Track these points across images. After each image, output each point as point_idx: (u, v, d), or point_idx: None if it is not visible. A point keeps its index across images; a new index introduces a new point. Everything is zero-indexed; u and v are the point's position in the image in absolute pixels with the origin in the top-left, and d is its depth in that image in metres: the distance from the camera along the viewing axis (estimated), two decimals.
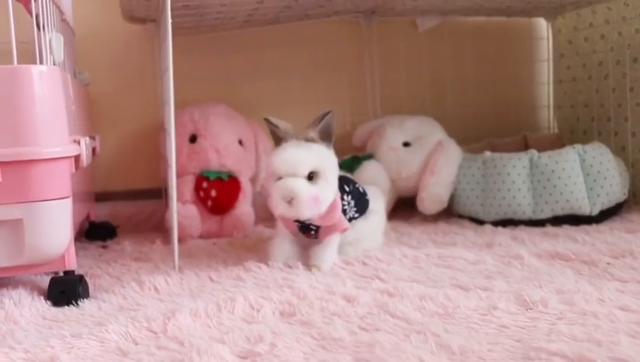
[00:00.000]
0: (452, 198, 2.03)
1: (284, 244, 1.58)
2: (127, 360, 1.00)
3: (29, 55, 1.36)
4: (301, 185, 1.44)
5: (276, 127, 1.54)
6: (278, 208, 1.48)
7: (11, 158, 1.24)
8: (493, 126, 2.45)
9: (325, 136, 1.52)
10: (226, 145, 1.98)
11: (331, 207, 1.51)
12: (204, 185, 1.94)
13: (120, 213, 2.18)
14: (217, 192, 1.94)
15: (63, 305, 1.31)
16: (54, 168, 1.29)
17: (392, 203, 2.10)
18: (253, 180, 2.08)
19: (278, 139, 1.55)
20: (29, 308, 1.28)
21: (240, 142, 2.03)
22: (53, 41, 1.41)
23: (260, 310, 1.21)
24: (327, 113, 1.52)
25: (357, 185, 1.66)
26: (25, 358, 1.01)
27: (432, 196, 2.00)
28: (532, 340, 1.01)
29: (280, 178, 1.47)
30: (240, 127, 2.05)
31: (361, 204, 1.64)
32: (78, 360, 1.01)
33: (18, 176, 1.25)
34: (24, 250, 1.27)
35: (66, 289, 1.32)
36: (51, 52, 1.41)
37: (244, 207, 1.97)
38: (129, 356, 1.02)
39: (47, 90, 1.29)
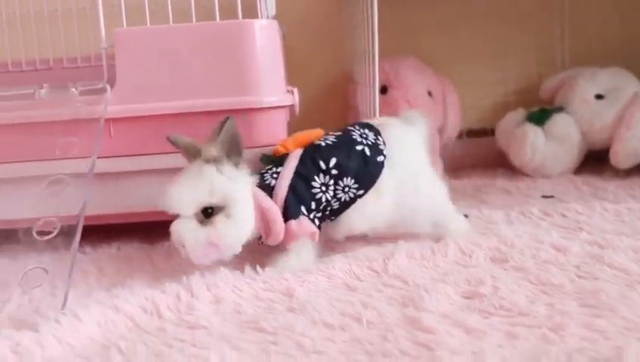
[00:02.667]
0: None
1: None
2: (358, 294, 1.07)
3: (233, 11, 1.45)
4: (187, 230, 1.14)
5: (174, 144, 1.21)
6: (180, 252, 1.18)
7: (237, 107, 1.35)
8: None
9: (231, 150, 1.19)
10: (416, 96, 2.02)
11: (269, 224, 1.21)
12: None
13: None
14: None
15: None
16: (274, 116, 1.39)
17: (581, 156, 2.06)
18: (441, 131, 2.10)
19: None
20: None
21: (429, 94, 2.06)
22: None
23: (471, 255, 1.24)
24: (226, 120, 1.19)
25: (354, 150, 1.26)
26: (264, 288, 1.11)
27: (628, 150, 1.94)
28: None
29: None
30: (429, 79, 2.08)
31: (366, 175, 1.26)
32: (311, 292, 1.09)
33: (242, 123, 1.35)
34: None
35: None
36: (265, 6, 1.49)
37: (432, 158, 2.00)
38: (358, 291, 1.09)
39: (266, 43, 1.38)
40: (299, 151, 1.27)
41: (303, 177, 1.23)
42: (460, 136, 2.22)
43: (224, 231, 1.15)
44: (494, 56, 2.26)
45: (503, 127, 2.15)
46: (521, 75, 2.30)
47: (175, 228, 1.15)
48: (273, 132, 1.38)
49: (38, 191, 1.17)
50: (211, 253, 1.16)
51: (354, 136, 1.28)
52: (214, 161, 1.17)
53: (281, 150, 1.28)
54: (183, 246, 1.15)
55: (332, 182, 1.24)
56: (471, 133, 2.28)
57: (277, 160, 1.27)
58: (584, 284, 1.06)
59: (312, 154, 1.25)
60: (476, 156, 2.27)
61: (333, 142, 1.28)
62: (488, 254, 1.25)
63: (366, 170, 1.25)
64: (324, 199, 1.24)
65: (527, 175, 2.06)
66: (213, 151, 1.17)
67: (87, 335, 0.97)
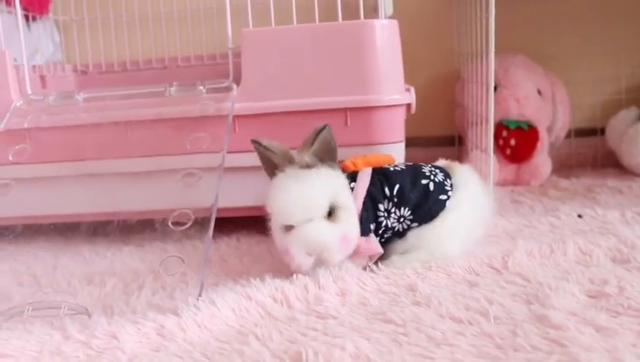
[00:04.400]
0: None
1: None
2: (480, 290, 1.08)
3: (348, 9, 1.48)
4: (327, 230, 1.12)
5: (269, 150, 1.18)
6: (302, 265, 1.14)
7: (358, 105, 1.39)
8: None
9: (325, 156, 1.17)
10: (526, 94, 2.01)
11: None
12: (504, 133, 1.99)
13: (411, 159, 2.29)
14: (517, 141, 1.99)
15: None
16: (392, 114, 1.42)
17: None
18: (549, 130, 2.09)
19: (271, 166, 1.20)
20: None
21: (539, 92, 2.05)
22: None
23: (591, 255, 1.24)
24: (323, 128, 1.15)
25: (419, 182, 1.24)
26: (387, 282, 1.15)
27: None
28: None
29: (291, 226, 1.13)
30: (538, 77, 2.07)
31: (424, 210, 1.24)
32: (433, 287, 1.12)
33: (362, 121, 1.40)
34: None
35: None
36: (384, 5, 1.52)
37: (541, 157, 2.00)
38: (479, 287, 1.10)
39: (386, 42, 1.42)
40: (369, 170, 1.25)
41: (373, 198, 1.22)
42: (567, 135, 2.19)
43: (351, 223, 1.16)
44: (606, 53, 2.21)
45: (614, 126, 2.12)
46: (634, 73, 2.24)
47: (310, 234, 1.12)
48: (393, 130, 1.42)
49: (172, 183, 1.23)
50: (344, 247, 1.15)
51: (423, 170, 1.27)
52: (309, 167, 1.15)
53: (351, 167, 1.25)
54: (320, 252, 1.13)
55: (394, 209, 1.22)
56: (579, 133, 2.24)
57: (347, 176, 1.23)
58: None
59: (379, 178, 1.23)
60: (584, 156, 2.24)
61: (401, 169, 1.26)
62: (608, 254, 1.24)
63: (425, 206, 1.23)
64: (383, 225, 1.23)
65: (639, 175, 2.02)
66: (306, 158, 1.15)
67: (223, 321, 1.02)
